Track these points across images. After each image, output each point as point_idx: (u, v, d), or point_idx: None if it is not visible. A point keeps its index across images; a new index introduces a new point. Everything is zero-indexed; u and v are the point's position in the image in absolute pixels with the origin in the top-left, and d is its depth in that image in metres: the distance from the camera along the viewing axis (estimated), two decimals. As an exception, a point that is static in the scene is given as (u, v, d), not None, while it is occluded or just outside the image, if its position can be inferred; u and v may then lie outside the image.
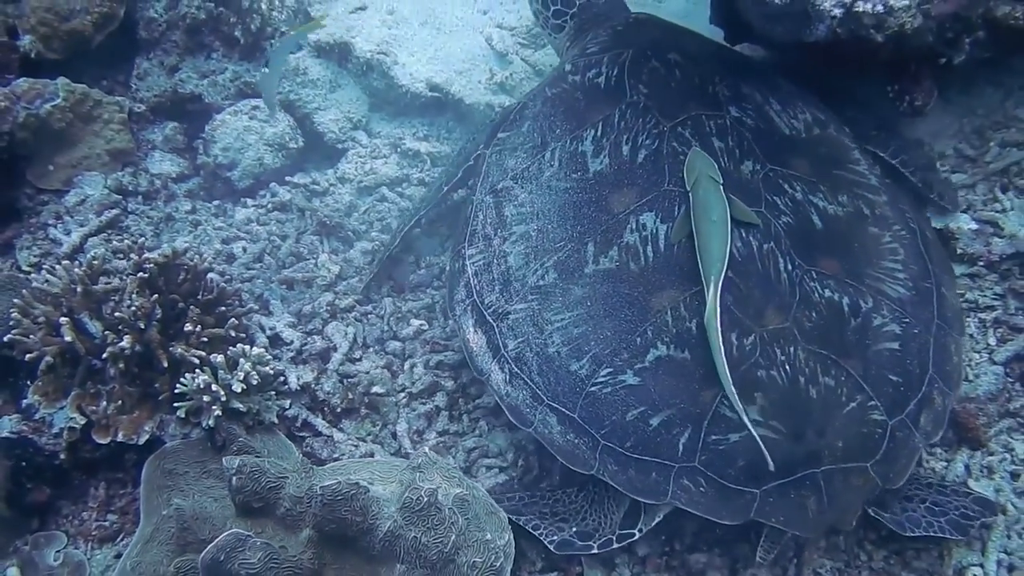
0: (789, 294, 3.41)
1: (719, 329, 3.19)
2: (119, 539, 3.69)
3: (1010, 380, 3.79)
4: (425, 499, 3.04)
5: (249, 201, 4.86)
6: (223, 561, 2.87)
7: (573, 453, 3.40)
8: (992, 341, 3.90)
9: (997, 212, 4.15)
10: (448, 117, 5.29)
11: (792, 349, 3.30)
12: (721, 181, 3.51)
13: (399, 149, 5.12)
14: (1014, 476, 3.61)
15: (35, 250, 4.37)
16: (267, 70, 4.50)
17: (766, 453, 3.10)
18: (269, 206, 4.80)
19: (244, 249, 4.53)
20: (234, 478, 3.16)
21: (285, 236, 4.61)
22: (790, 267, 3.46)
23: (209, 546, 2.87)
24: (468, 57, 5.36)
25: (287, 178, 4.89)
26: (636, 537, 3.38)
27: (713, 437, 3.23)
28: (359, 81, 5.31)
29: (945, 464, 3.67)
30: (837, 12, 3.41)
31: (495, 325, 3.65)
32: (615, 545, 3.39)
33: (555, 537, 3.41)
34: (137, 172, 4.84)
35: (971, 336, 3.92)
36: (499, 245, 3.77)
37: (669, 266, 3.48)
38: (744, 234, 3.48)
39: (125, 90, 5.12)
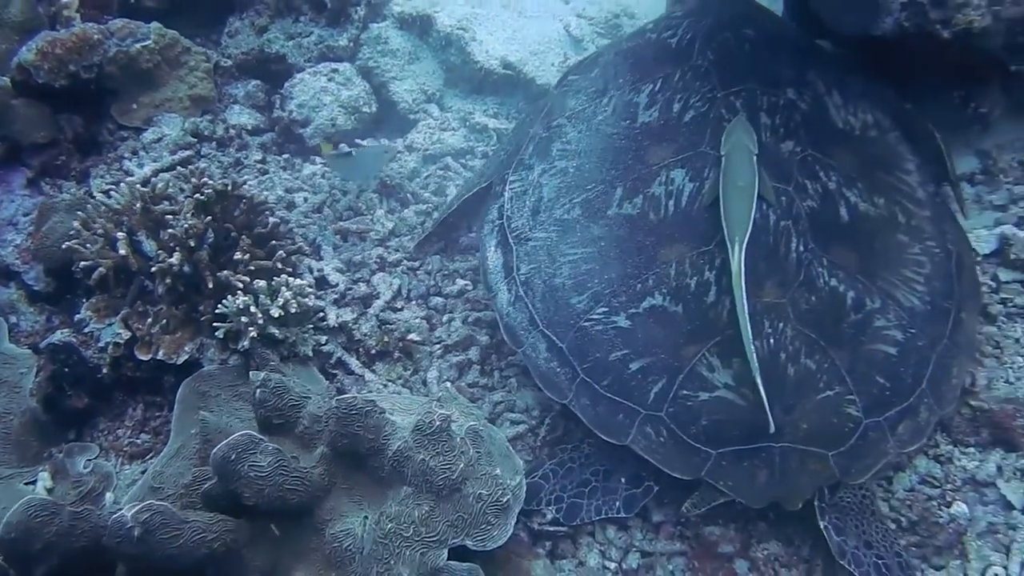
0: (793, 273, 3.38)
1: (744, 288, 3.19)
2: (148, 457, 3.78)
3: (1055, 387, 3.65)
4: (437, 423, 3.03)
5: (318, 159, 4.97)
6: (234, 460, 2.88)
7: (552, 381, 3.48)
8: (1039, 347, 3.76)
9: (1058, 225, 4.04)
10: (519, 97, 5.35)
11: (781, 325, 3.29)
12: (756, 152, 3.51)
13: (468, 123, 5.19)
14: (1049, 482, 3.48)
15: (108, 179, 4.55)
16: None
17: (770, 416, 3.11)
18: (337, 165, 4.89)
19: (305, 199, 4.64)
20: (258, 391, 3.20)
21: (346, 191, 4.70)
22: (801, 248, 3.43)
23: (222, 443, 2.90)
24: (544, 40, 5.43)
25: (357, 140, 4.98)
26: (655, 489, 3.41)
27: (684, 392, 3.26)
28: (437, 55, 5.41)
29: (978, 463, 3.53)
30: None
31: (515, 248, 3.74)
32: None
33: (617, 501, 3.42)
34: (215, 120, 5.01)
35: (1016, 340, 3.80)
36: (538, 176, 3.86)
37: (686, 222, 3.51)
38: (764, 208, 3.47)
39: (216, 47, 5.32)
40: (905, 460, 3.56)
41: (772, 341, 3.26)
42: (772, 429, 3.13)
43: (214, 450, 2.91)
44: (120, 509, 2.80)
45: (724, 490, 3.22)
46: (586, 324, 3.44)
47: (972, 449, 3.60)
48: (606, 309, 3.43)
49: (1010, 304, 3.92)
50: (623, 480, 3.41)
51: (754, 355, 3.12)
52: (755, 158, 3.49)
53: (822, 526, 3.26)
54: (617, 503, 3.38)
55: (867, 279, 3.44)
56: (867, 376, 3.30)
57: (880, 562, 3.25)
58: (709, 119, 3.73)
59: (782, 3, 4.62)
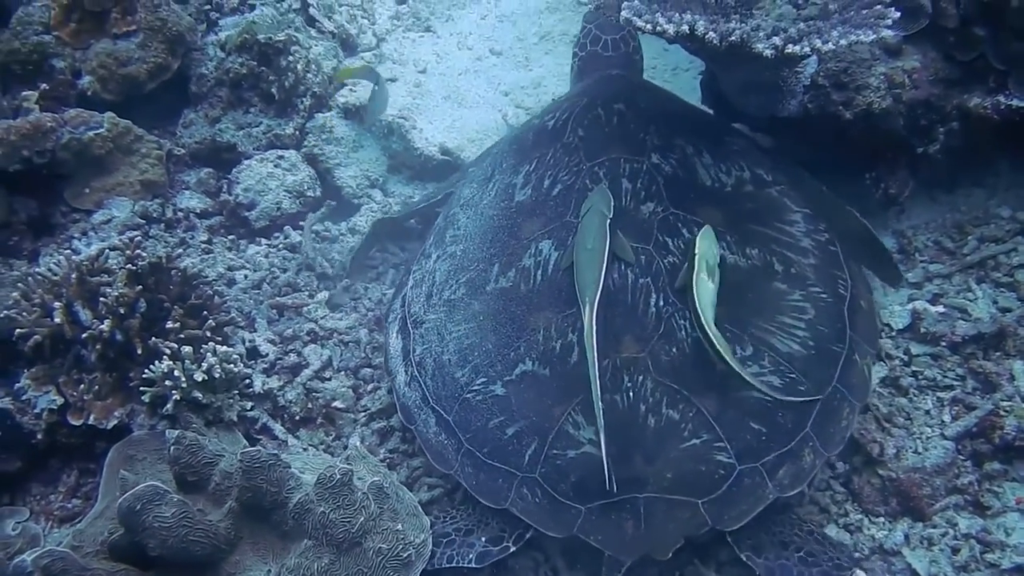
0: (653, 327, 3.51)
1: (595, 347, 3.30)
2: (77, 521, 3.83)
3: (961, 457, 3.73)
4: (339, 477, 3.13)
5: (263, 240, 5.16)
6: (139, 511, 2.99)
7: (440, 453, 3.64)
8: (947, 418, 3.85)
9: (968, 300, 4.18)
10: (458, 182, 5.55)
11: (640, 378, 3.41)
12: (610, 216, 3.66)
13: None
14: (954, 551, 3.52)
15: (56, 257, 4.70)
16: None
17: (608, 470, 3.21)
18: (280, 246, 5.08)
19: (246, 276, 4.82)
20: (172, 448, 3.31)
21: (286, 269, 4.88)
22: (661, 303, 3.56)
23: (127, 493, 3.01)
24: (482, 128, 5.68)
25: (301, 223, 5.18)
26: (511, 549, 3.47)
27: (554, 451, 3.38)
28: (380, 143, 5.63)
29: (886, 533, 3.61)
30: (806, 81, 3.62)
31: (412, 332, 3.93)
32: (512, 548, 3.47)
33: (471, 554, 3.46)
34: (165, 204, 5.19)
35: (927, 412, 3.91)
36: (434, 263, 4.06)
37: (551, 289, 3.68)
38: (622, 268, 3.62)
39: (171, 137, 5.56)
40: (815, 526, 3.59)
41: (631, 395, 3.38)
42: (613, 487, 3.22)
43: (119, 500, 3.02)
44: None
45: (596, 544, 3.29)
46: (468, 395, 3.61)
47: (881, 518, 3.68)
48: (485, 379, 3.60)
49: (921, 377, 4.03)
50: (483, 539, 3.48)
51: (600, 409, 3.22)
52: (608, 221, 3.63)
53: (744, 557, 3.33)
54: (471, 555, 3.44)
55: (736, 328, 3.53)
56: (738, 422, 3.37)
57: (801, 554, 3.34)
58: (575, 190, 3.92)
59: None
